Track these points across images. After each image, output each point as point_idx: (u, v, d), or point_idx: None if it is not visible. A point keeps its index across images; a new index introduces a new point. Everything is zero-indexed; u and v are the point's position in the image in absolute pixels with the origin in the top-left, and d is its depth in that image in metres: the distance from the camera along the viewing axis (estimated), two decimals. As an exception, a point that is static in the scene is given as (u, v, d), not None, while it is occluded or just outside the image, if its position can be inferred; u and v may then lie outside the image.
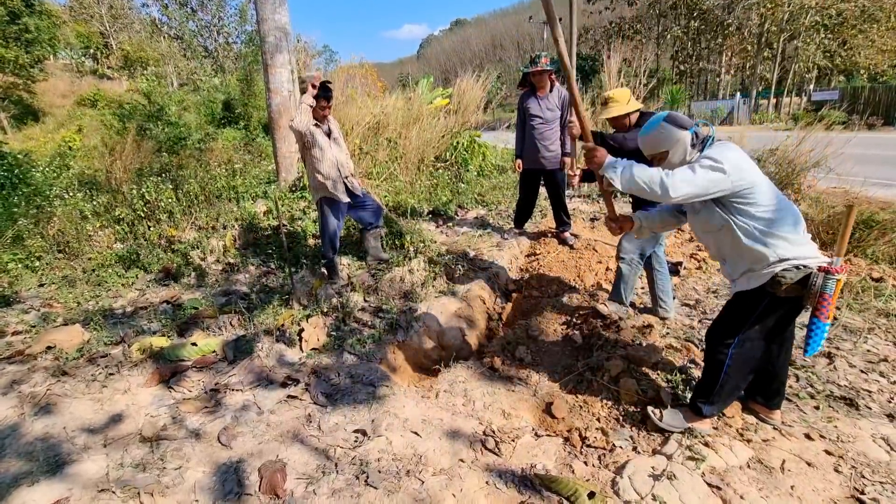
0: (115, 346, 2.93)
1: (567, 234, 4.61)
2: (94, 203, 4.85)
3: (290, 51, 5.52)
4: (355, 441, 2.14)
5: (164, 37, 27.34)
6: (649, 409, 2.17)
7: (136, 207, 4.87)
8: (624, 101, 2.79)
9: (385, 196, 5.87)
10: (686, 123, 1.89)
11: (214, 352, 2.90)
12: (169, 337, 3.03)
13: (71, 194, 4.83)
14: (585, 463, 2.03)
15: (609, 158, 1.95)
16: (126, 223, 4.79)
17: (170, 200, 4.97)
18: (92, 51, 30.00)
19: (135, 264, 4.22)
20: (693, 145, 1.90)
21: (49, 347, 2.84)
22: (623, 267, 3.05)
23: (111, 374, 2.63)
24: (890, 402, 2.27)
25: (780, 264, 1.76)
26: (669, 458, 1.94)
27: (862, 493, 1.75)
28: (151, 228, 4.78)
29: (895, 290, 3.36)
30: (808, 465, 1.89)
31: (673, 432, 2.09)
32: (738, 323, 1.95)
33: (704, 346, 2.14)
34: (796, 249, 1.76)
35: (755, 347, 1.94)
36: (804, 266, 1.74)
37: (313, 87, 3.46)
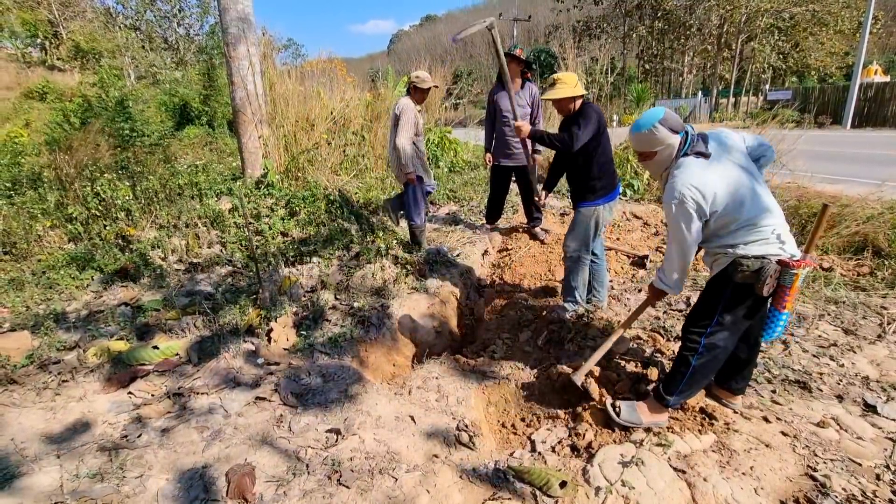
0: (69, 352, 2.78)
1: (538, 229, 4.66)
2: (45, 201, 4.56)
3: (253, 42, 5.35)
4: (327, 441, 2.11)
5: (119, 27, 25.95)
6: (608, 404, 2.17)
7: (89, 206, 4.61)
8: (571, 85, 2.70)
9: (356, 192, 5.78)
10: (678, 127, 1.91)
11: (178, 354, 2.79)
12: (128, 340, 2.89)
13: (19, 192, 4.53)
14: (556, 453, 2.06)
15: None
16: (79, 222, 4.53)
17: (126, 198, 4.73)
18: (40, 40, 28.20)
19: (89, 265, 3.99)
20: (680, 147, 1.92)
21: (-6, 355, 2.67)
22: (570, 265, 3.09)
23: (65, 380, 2.49)
24: (839, 384, 2.40)
25: (740, 255, 1.85)
26: (638, 444, 2.00)
27: (815, 470, 1.84)
28: (107, 227, 4.54)
29: (843, 279, 3.56)
30: (766, 446, 1.98)
31: (631, 429, 2.11)
32: (708, 312, 2.00)
33: (681, 338, 2.17)
34: (756, 248, 1.83)
35: (725, 336, 1.98)
36: (762, 257, 1.82)
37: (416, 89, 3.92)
